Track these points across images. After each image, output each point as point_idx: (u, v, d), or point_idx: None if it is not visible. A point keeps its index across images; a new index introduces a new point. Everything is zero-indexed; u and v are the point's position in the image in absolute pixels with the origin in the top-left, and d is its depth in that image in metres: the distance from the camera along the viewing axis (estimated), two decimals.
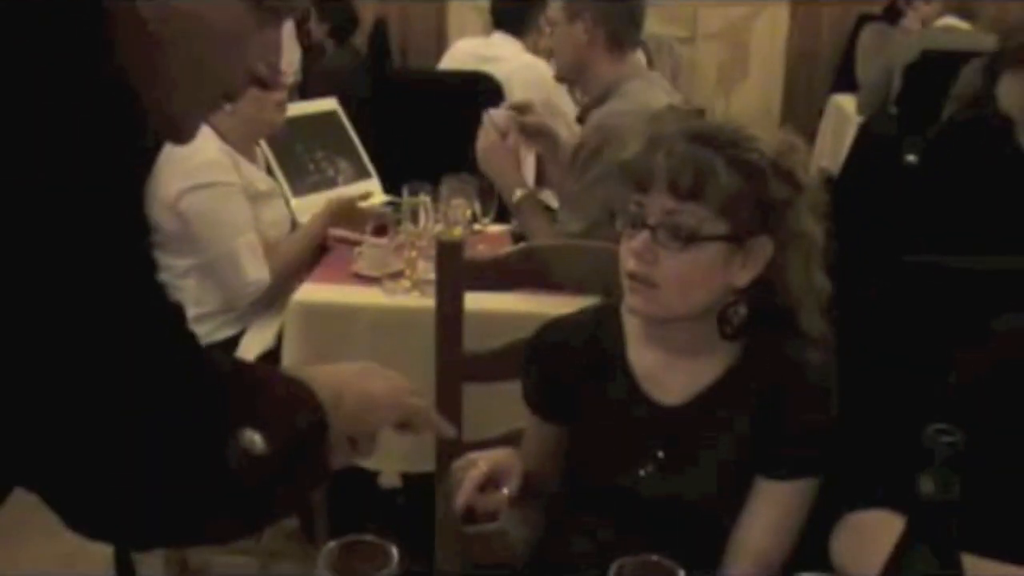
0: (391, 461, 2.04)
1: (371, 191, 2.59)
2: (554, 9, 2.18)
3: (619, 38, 2.12)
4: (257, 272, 2.10)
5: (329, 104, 2.68)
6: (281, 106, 2.25)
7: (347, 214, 2.24)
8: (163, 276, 2.36)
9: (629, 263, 1.15)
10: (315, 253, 2.26)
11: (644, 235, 1.13)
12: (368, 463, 2.01)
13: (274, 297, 2.15)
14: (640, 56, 3.88)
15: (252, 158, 2.25)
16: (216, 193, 2.07)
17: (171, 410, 0.69)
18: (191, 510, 0.74)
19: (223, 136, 2.13)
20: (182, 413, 0.70)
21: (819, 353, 1.18)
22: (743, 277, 1.15)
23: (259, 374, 0.92)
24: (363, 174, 2.66)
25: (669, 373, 1.22)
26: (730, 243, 1.13)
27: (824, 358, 1.19)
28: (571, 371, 1.26)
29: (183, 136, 0.80)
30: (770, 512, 1.18)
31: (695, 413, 1.20)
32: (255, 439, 0.75)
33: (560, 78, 2.25)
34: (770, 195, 1.12)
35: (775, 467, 1.18)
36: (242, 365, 1.02)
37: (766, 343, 1.20)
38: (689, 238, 1.12)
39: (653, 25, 4.32)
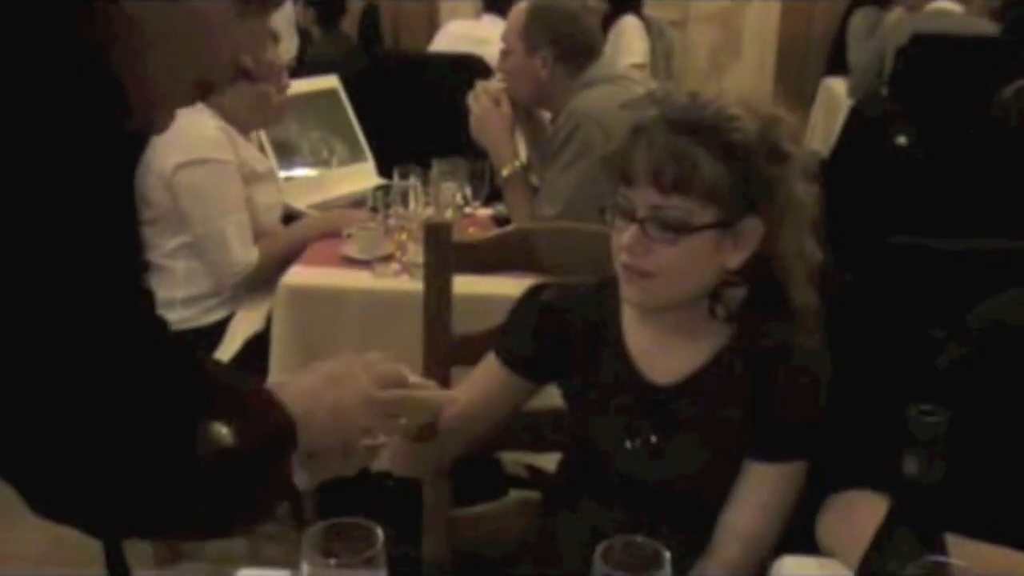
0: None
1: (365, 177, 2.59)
2: (509, 37, 2.13)
3: (578, 63, 2.10)
4: (244, 253, 2.09)
5: (330, 82, 2.66)
6: (280, 109, 2.23)
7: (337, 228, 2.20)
8: (152, 256, 2.37)
9: (622, 256, 1.15)
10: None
11: (634, 229, 1.13)
12: None
13: (263, 280, 2.14)
14: (637, 38, 3.88)
15: (249, 138, 2.24)
16: (210, 170, 2.06)
17: (137, 394, 0.69)
18: (154, 498, 0.73)
19: (223, 115, 2.12)
20: (149, 398, 0.69)
21: (810, 337, 1.18)
22: (735, 259, 1.15)
23: (233, 375, 0.91)
24: (358, 157, 2.64)
25: (662, 353, 1.22)
26: (720, 229, 1.13)
27: (815, 342, 1.19)
28: (563, 338, 1.26)
29: (156, 126, 0.79)
30: (759, 495, 1.18)
31: (686, 393, 1.20)
32: (223, 431, 0.74)
33: (517, 104, 2.16)
34: (756, 175, 1.12)
35: (765, 450, 1.18)
36: (216, 363, 1.01)
37: (758, 325, 1.20)
38: (679, 230, 1.11)
39: (646, 8, 4.31)
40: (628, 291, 1.18)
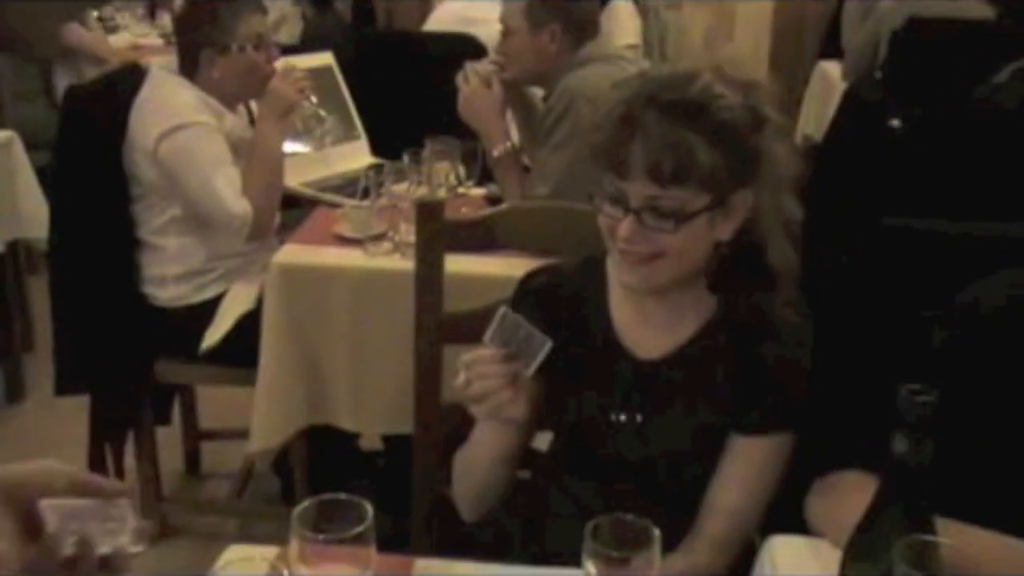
0: (371, 423, 2.04)
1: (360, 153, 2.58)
2: (513, 16, 2.10)
3: (583, 36, 2.08)
4: (239, 205, 2.05)
5: (324, 59, 2.63)
6: (268, 80, 2.20)
7: (284, 101, 2.14)
8: (142, 233, 2.36)
9: (620, 245, 1.14)
10: (301, 213, 2.23)
11: (630, 219, 1.12)
12: (348, 425, 2.01)
13: (255, 259, 2.13)
14: (630, 19, 3.86)
15: (237, 111, 2.22)
16: (191, 133, 2.04)
17: None
18: None
19: (211, 90, 2.10)
20: None
21: (790, 302, 1.19)
22: (727, 230, 1.16)
23: None
24: (352, 135, 2.62)
25: (648, 329, 1.23)
26: (715, 208, 1.13)
27: (798, 315, 1.20)
28: (556, 319, 1.26)
29: None
30: (744, 469, 1.19)
31: (672, 368, 1.21)
32: None
33: (519, 83, 2.14)
34: (744, 148, 1.12)
35: (749, 423, 1.18)
36: None
37: (742, 297, 1.21)
38: (677, 219, 1.11)
39: None
40: (628, 277, 1.18)
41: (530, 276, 1.31)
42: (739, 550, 1.20)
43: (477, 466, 1.28)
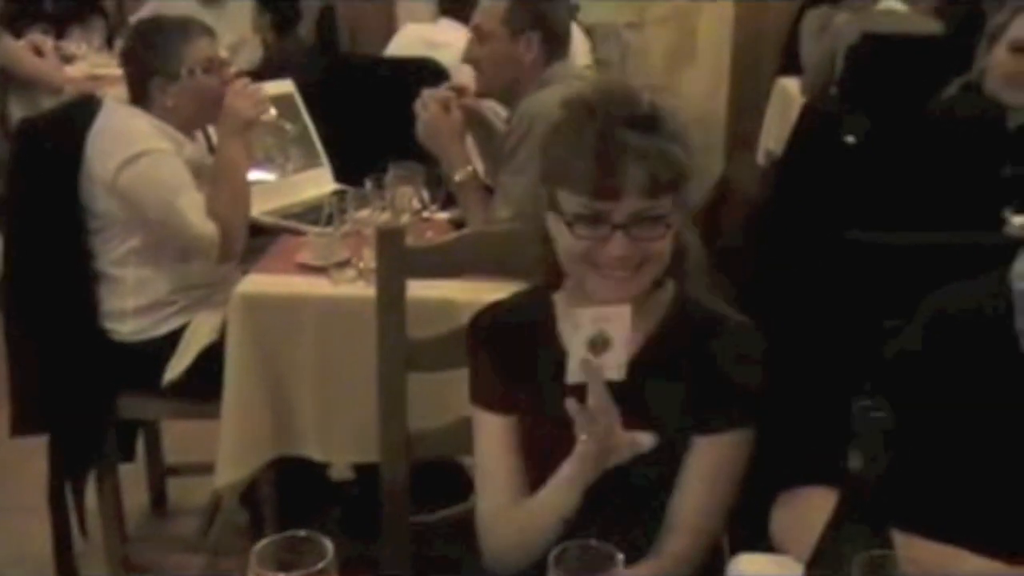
0: (340, 452, 2.02)
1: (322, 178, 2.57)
2: (490, 22, 2.08)
3: (555, 51, 2.08)
4: (205, 226, 2.04)
5: (285, 87, 2.62)
6: (219, 103, 2.19)
7: (241, 118, 2.12)
8: (100, 265, 2.31)
9: (609, 261, 1.15)
10: (262, 241, 2.22)
11: (620, 236, 1.13)
12: (317, 455, 1.99)
13: (219, 285, 2.11)
14: (581, 41, 3.90)
15: (193, 138, 2.20)
16: (150, 160, 2.03)
17: None
18: None
19: (166, 118, 2.09)
20: None
21: (715, 296, 1.24)
22: (679, 221, 1.19)
23: None
24: (314, 162, 2.62)
25: None
26: (681, 205, 1.17)
27: (724, 302, 1.23)
28: (509, 356, 1.25)
29: None
30: (704, 477, 1.19)
31: (631, 383, 1.21)
32: None
33: (485, 94, 2.14)
34: (686, 144, 1.16)
35: (710, 422, 1.19)
36: None
37: (688, 296, 1.24)
38: (667, 223, 1.15)
39: (602, 12, 4.34)
40: (615, 293, 1.17)
41: (477, 319, 1.32)
42: (702, 560, 1.20)
43: (539, 530, 1.19)
